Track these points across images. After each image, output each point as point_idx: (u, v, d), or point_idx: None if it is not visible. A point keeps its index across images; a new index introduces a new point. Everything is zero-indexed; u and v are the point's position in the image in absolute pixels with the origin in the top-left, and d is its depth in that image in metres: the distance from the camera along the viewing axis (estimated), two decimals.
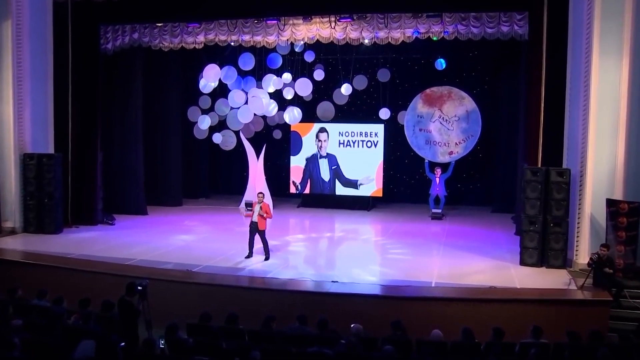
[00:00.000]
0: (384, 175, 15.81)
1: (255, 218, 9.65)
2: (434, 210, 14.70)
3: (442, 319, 7.81)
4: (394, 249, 11.37)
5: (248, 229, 9.86)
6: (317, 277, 9.03)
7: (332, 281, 8.72)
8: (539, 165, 10.01)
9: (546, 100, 9.91)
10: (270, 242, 10.76)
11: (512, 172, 14.41)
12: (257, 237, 10.07)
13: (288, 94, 14.27)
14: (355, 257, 10.80)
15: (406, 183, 16.93)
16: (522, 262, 9.79)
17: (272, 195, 15.02)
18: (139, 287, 6.76)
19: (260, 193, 9.70)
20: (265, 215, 9.63)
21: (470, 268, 9.81)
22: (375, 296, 8.41)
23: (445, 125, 14.88)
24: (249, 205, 15.19)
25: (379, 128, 15.77)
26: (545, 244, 9.56)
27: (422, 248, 11.58)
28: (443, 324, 7.03)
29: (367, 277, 9.30)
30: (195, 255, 10.39)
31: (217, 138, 14.77)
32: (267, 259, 9.68)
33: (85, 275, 9.05)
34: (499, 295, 8.16)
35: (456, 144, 14.82)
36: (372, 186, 15.83)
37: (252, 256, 9.72)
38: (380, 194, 15.85)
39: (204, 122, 14.45)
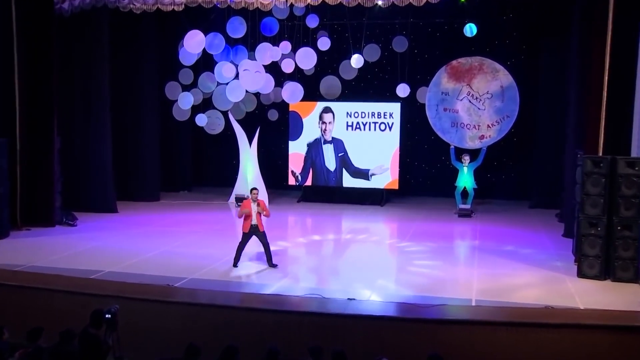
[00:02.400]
0: (400, 164, 15.57)
1: (255, 220, 9.33)
2: (461, 206, 14.37)
3: (488, 348, 7.28)
4: (418, 255, 10.86)
5: (245, 233, 9.50)
6: (328, 293, 8.48)
7: (348, 299, 8.20)
8: (600, 154, 9.37)
9: (611, 75, 9.28)
10: None
11: (556, 160, 14.14)
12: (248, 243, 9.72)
13: (287, 67, 13.88)
14: (371, 265, 10.29)
15: (427, 173, 16.75)
16: (581, 274, 9.23)
17: (267, 187, 15.43)
18: (107, 315, 6.04)
19: (255, 189, 9.46)
20: (264, 214, 9.40)
21: (516, 281, 9.27)
22: (403, 319, 7.78)
23: (475, 104, 14.54)
24: (240, 200, 15.15)
25: (395, 108, 15.46)
26: (611, 251, 8.99)
27: (452, 254, 11.20)
28: (488, 355, 6.53)
29: (390, 292, 8.76)
30: (177, 265, 9.85)
31: (201, 120, 14.58)
32: (274, 265, 9.47)
33: (37, 294, 8.43)
34: (559, 319, 7.52)
35: (488, 126, 14.49)
36: (386, 177, 15.59)
37: (238, 266, 9.51)
38: (395, 186, 15.64)
39: (186, 101, 14.22)
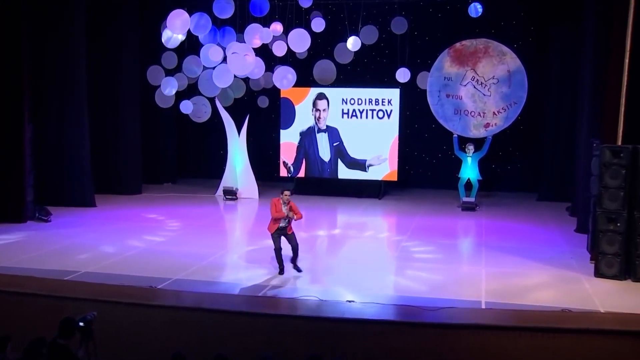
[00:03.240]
0: (399, 154, 15.53)
1: (285, 222, 9.08)
2: (464, 199, 14.34)
3: (499, 355, 7.08)
4: (421, 253, 10.68)
5: (273, 234, 9.12)
6: (325, 294, 8.27)
7: (347, 301, 8.01)
8: (619, 143, 9.14)
9: (632, 58, 9.00)
10: (257, 243, 10.71)
11: (567, 150, 14.28)
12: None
13: (278, 50, 13.65)
14: (370, 264, 10.09)
15: (428, 164, 16.85)
16: (599, 273, 9.00)
17: (257, 179, 15.45)
18: (81, 324, 5.72)
19: (287, 191, 9.19)
20: (295, 218, 9.09)
21: (527, 281, 9.06)
22: (407, 323, 7.52)
23: (481, 90, 14.41)
24: (229, 193, 15.23)
25: (394, 94, 15.42)
26: (632, 249, 8.75)
27: (456, 251, 11.04)
28: None
29: (392, 294, 8.58)
30: (160, 264, 9.64)
31: (186, 107, 14.39)
32: (299, 269, 9.25)
33: (5, 298, 8.14)
34: (578, 323, 7.26)
35: (494, 113, 14.38)
36: (384, 168, 15.57)
37: (284, 273, 9.22)
38: (394, 178, 15.64)
39: (169, 87, 13.99)
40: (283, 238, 9.13)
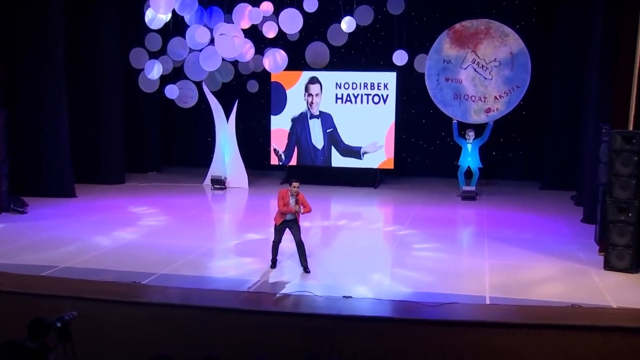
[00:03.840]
0: (396, 141, 15.54)
1: (293, 215, 8.88)
2: (464, 188, 14.31)
3: (506, 353, 7.02)
4: (420, 245, 10.59)
5: (277, 226, 8.98)
6: (320, 290, 8.15)
7: (344, 296, 7.89)
8: (631, 128, 9.06)
9: None
10: (247, 234, 10.78)
11: (572, 136, 14.26)
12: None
13: (269, 32, 13.45)
14: (366, 257, 10.02)
15: (426, 151, 16.88)
16: (609, 266, 8.91)
17: (247, 168, 15.40)
18: (58, 324, 5.49)
19: (296, 181, 8.87)
20: (302, 211, 8.83)
21: (534, 274, 8.99)
22: (408, 320, 7.41)
23: (482, 74, 14.32)
24: (217, 182, 15.15)
25: (390, 77, 15.37)
26: None
27: (457, 243, 11.04)
28: None
29: (391, 289, 8.44)
30: (144, 258, 9.56)
31: (171, 92, 14.24)
32: (307, 270, 8.98)
33: None
34: (589, 320, 7.14)
35: (496, 98, 14.25)
36: (380, 155, 15.56)
37: (276, 267, 9.15)
38: (391, 166, 15.63)
39: (154, 70, 13.83)
40: (287, 231, 8.99)
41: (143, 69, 13.91)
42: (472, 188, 14.19)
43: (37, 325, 5.67)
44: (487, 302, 7.83)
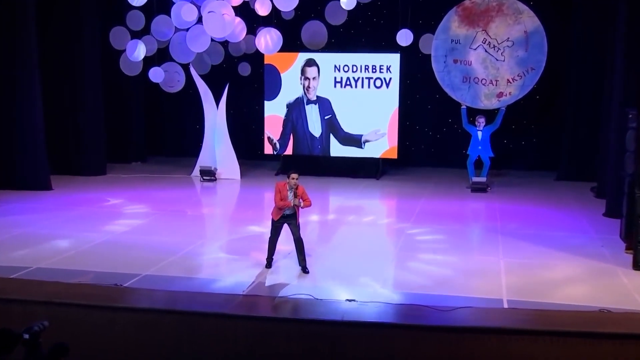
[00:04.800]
0: (399, 129, 15.58)
1: (291, 209, 8.75)
2: (474, 179, 14.29)
3: None
4: (428, 242, 10.53)
5: (274, 222, 8.85)
6: (320, 292, 8.03)
7: (347, 300, 7.78)
8: None
9: None
10: (240, 231, 10.79)
11: (591, 122, 14.26)
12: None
13: (261, 9, 13.17)
14: (370, 255, 9.93)
15: (432, 139, 16.95)
16: (638, 265, 8.74)
17: (239, 158, 15.36)
18: (26, 336, 5.17)
19: (294, 173, 8.71)
20: (302, 205, 8.68)
21: (555, 274, 8.85)
22: (419, 327, 7.21)
23: (493, 55, 14.22)
24: (207, 173, 15.12)
25: (394, 59, 15.38)
26: None
27: (469, 239, 10.96)
28: None
29: (398, 291, 8.30)
30: (127, 258, 9.49)
31: (156, 75, 13.99)
32: (306, 270, 8.89)
33: None
34: (620, 327, 6.92)
35: (509, 81, 14.18)
36: (382, 144, 15.64)
37: (272, 266, 9.05)
38: (394, 155, 15.71)
39: (137, 52, 13.61)
40: (285, 227, 8.86)
41: (124, 50, 13.72)
42: (483, 179, 14.17)
43: (1, 338, 5.35)
44: (505, 305, 7.68)
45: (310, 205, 8.79)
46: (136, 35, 13.79)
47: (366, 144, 15.57)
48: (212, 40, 13.17)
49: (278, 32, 13.14)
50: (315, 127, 15.75)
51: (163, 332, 7.36)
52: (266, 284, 8.46)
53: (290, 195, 8.61)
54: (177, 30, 13.53)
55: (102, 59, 15.30)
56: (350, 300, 7.68)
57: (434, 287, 8.31)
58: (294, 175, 8.59)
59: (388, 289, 8.31)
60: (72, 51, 15.14)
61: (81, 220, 11.53)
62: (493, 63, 14.15)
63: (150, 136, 18.08)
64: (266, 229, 9.94)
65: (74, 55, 15.16)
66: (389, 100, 15.30)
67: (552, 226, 11.24)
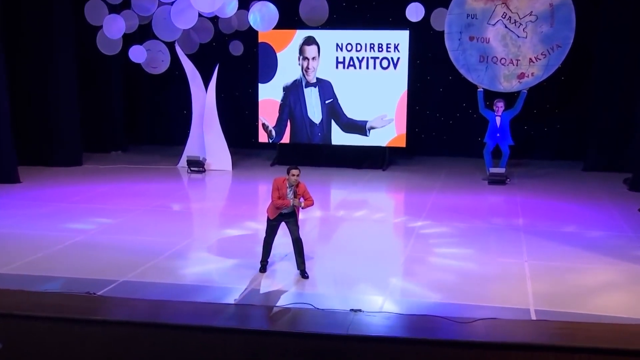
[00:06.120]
0: (408, 114, 15.64)
1: (290, 208, 8.62)
2: (492, 170, 14.34)
3: None
4: (442, 241, 10.40)
5: (270, 221, 8.73)
6: (321, 301, 7.89)
7: (352, 310, 7.62)
8: None
9: None
10: (231, 230, 10.75)
11: (623, 106, 14.37)
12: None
13: None
14: (377, 257, 9.77)
15: (444, 126, 17.06)
16: None
17: (230, 147, 15.64)
18: None
19: (295, 169, 8.60)
20: (302, 205, 8.56)
21: (587, 279, 8.68)
22: (436, 342, 7.03)
23: (514, 31, 14.12)
24: (195, 164, 15.12)
25: (402, 37, 15.40)
26: None
27: (487, 239, 10.64)
28: None
29: (410, 299, 8.16)
30: (103, 260, 9.30)
31: (137, 55, 14.07)
32: (305, 275, 8.77)
33: None
34: None
35: (531, 60, 14.09)
36: (389, 131, 15.70)
37: (266, 270, 8.95)
38: (402, 144, 15.79)
39: (115, 28, 13.70)
40: (283, 226, 8.72)
41: (102, 27, 13.67)
42: (502, 170, 14.17)
43: None
44: (533, 316, 7.46)
45: (312, 204, 8.68)
46: (115, 9, 13.87)
47: (371, 131, 15.61)
48: (199, 15, 13.20)
49: (274, 7, 13.22)
50: (314, 112, 15.74)
51: (143, 349, 7.25)
52: (261, 291, 8.31)
53: (289, 193, 8.49)
54: (160, 4, 13.66)
55: (77, 36, 15.27)
56: (355, 311, 7.52)
57: (450, 295, 8.14)
58: (295, 172, 8.45)
59: (398, 297, 8.18)
60: (41, 28, 15.06)
61: (51, 217, 11.37)
62: (514, 40, 14.04)
63: (132, 123, 18.06)
64: (261, 227, 9.90)
65: (44, 32, 15.09)
66: (396, 82, 15.31)
67: (581, 223, 11.16)
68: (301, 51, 15.65)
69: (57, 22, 15.12)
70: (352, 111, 15.63)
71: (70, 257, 9.44)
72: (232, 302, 7.88)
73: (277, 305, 7.82)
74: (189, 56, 15.18)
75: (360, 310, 7.49)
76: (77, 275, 8.56)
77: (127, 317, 7.49)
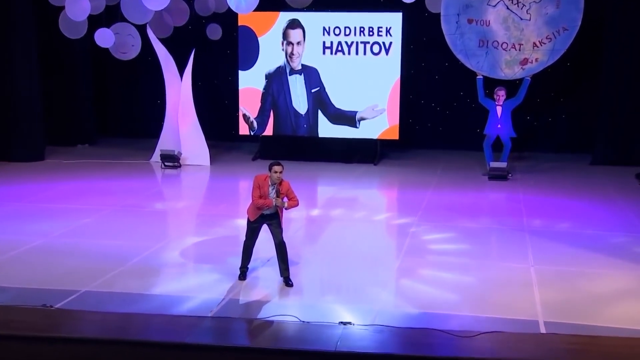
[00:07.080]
0: (401, 104, 15.59)
1: (272, 209, 8.55)
2: (492, 164, 14.35)
3: None
4: (439, 244, 10.39)
5: (251, 223, 8.65)
6: (307, 313, 7.76)
7: (341, 322, 7.50)
8: None
9: None
10: (209, 231, 10.77)
11: (634, 95, 14.43)
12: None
13: None
14: (368, 261, 9.71)
15: (440, 116, 17.09)
16: None
17: (208, 139, 15.65)
18: None
19: (277, 165, 8.53)
20: (286, 206, 8.49)
21: (600, 286, 8.61)
22: (435, 358, 6.93)
23: (517, 13, 14.00)
24: (169, 158, 15.06)
25: (395, 20, 15.34)
26: None
27: (489, 240, 10.65)
28: None
29: (405, 310, 8.06)
30: (63, 267, 9.12)
31: (104, 38, 13.91)
32: (289, 283, 8.69)
33: None
34: None
35: (535, 45, 13.97)
36: (381, 122, 15.67)
37: (246, 277, 8.88)
38: (395, 136, 15.75)
39: (79, 9, 13.46)
40: (265, 229, 8.63)
41: (64, 7, 13.41)
42: (503, 164, 14.18)
43: None
44: (542, 329, 7.35)
45: (296, 205, 8.62)
46: None
47: (361, 122, 15.61)
48: None
49: None
50: (300, 102, 15.73)
51: None
52: (240, 302, 8.18)
53: (272, 192, 8.41)
54: None
55: (37, 18, 15.24)
56: (345, 324, 7.42)
57: (450, 305, 8.05)
58: (277, 169, 8.38)
59: (392, 308, 8.08)
60: None
61: (6, 219, 11.21)
62: (516, 23, 13.96)
63: (100, 114, 18.04)
64: (241, 228, 9.78)
65: (2, 18, 14.99)
66: (388, 69, 15.29)
67: (590, 222, 11.14)
68: (285, 35, 15.57)
69: (16, 7, 15.07)
70: (340, 101, 15.59)
71: (25, 264, 9.21)
72: (209, 314, 7.76)
73: (258, 317, 7.70)
74: (162, 41, 15.07)
75: (350, 323, 7.40)
76: (31, 286, 8.35)
77: (89, 333, 7.33)
